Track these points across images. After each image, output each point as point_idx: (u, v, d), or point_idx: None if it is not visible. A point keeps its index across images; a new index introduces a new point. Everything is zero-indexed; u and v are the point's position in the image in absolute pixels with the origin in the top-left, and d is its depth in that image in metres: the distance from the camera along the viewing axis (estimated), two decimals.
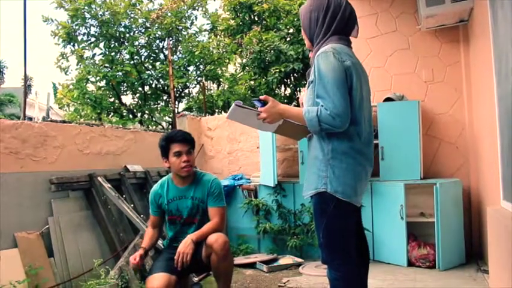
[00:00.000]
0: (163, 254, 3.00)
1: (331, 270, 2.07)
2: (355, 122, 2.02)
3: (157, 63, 9.70)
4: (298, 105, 2.44)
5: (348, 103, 1.95)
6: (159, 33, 9.29)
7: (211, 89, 10.46)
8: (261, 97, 2.04)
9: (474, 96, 4.43)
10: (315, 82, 2.01)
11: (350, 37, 2.17)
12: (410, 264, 4.19)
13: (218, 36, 9.84)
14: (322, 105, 1.93)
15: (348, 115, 1.94)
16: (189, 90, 10.27)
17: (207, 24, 10.07)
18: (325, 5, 2.09)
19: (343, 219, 2.04)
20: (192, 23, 10.03)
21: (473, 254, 4.39)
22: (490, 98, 3.23)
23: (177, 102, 9.67)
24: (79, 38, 9.14)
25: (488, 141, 3.52)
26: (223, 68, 10.35)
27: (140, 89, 9.62)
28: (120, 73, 9.04)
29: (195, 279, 3.61)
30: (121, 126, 5.49)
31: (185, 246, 2.76)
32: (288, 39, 7.46)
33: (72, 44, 9.13)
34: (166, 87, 9.55)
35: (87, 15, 8.91)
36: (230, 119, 2.14)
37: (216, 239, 2.76)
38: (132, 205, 4.20)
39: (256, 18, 8.57)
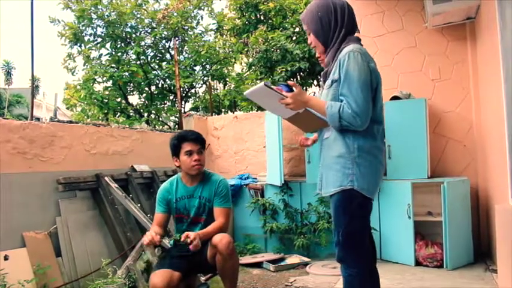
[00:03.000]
0: (169, 252, 3.01)
1: (346, 267, 2.09)
2: (378, 121, 2.11)
3: (164, 63, 9.73)
4: None
5: (370, 105, 2.01)
6: (165, 33, 9.32)
7: (217, 89, 10.47)
8: (289, 82, 2.05)
9: (481, 94, 4.40)
10: (339, 81, 2.04)
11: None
12: (417, 263, 4.17)
13: (224, 36, 9.86)
14: (345, 103, 1.98)
15: (368, 116, 2.00)
16: (195, 90, 10.30)
17: (213, 23, 10.10)
18: (332, 8, 2.15)
19: (365, 216, 2.11)
20: (198, 23, 10.06)
21: (482, 253, 4.37)
22: (497, 96, 3.20)
23: (183, 102, 9.70)
24: (86, 38, 9.19)
25: (496, 139, 3.50)
26: (230, 68, 10.36)
27: (147, 89, 9.66)
28: (127, 73, 9.08)
29: (202, 279, 3.62)
30: (127, 126, 5.50)
31: (193, 237, 2.73)
32: (294, 38, 7.45)
33: (78, 44, 9.19)
34: (172, 87, 9.57)
35: (94, 16, 8.96)
36: (248, 96, 2.14)
37: (220, 239, 2.77)
38: (139, 205, 4.22)
39: (262, 18, 8.57)
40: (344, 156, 2.05)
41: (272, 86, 2.03)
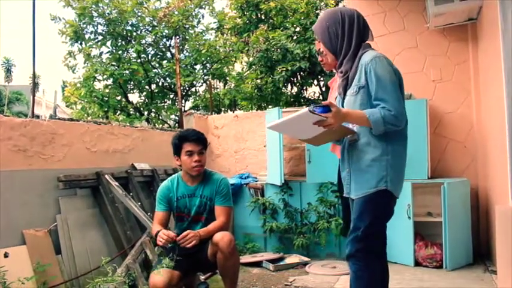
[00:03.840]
0: (168, 251, 3.02)
1: (356, 261, 2.14)
2: (407, 122, 2.18)
3: (164, 62, 9.72)
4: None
5: (404, 104, 2.12)
6: (166, 31, 9.30)
7: (217, 88, 10.46)
8: (325, 102, 2.03)
9: (482, 95, 4.40)
10: (367, 87, 2.12)
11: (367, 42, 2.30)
12: (417, 264, 4.18)
13: (225, 35, 9.83)
14: (384, 107, 2.05)
15: (405, 115, 2.11)
16: (195, 89, 10.28)
17: (214, 22, 10.07)
18: (339, 19, 2.22)
19: (389, 216, 2.21)
20: (199, 22, 10.04)
21: (481, 254, 4.37)
22: (498, 97, 3.21)
23: (183, 101, 9.69)
24: (86, 36, 9.16)
25: (497, 141, 3.50)
26: (230, 67, 10.34)
27: (147, 87, 9.65)
28: (127, 71, 9.05)
29: (202, 278, 3.62)
30: (128, 124, 5.50)
31: (194, 235, 2.78)
32: (295, 37, 7.42)
33: (79, 42, 9.16)
34: (173, 86, 9.57)
35: (95, 14, 8.93)
36: (276, 126, 2.16)
37: (221, 237, 2.78)
38: (139, 203, 4.21)
39: (263, 17, 8.55)
40: (379, 159, 2.12)
41: (315, 111, 1.97)
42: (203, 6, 9.86)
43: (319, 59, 2.58)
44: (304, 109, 1.96)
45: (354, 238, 2.13)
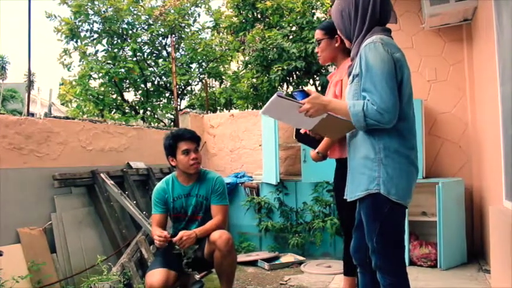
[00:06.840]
0: (164, 250, 3.02)
1: (385, 275, 1.94)
2: (405, 118, 1.94)
3: (160, 60, 9.71)
4: None
5: (397, 98, 1.84)
6: (162, 30, 9.31)
7: (213, 87, 10.47)
8: (305, 88, 1.92)
9: (477, 96, 4.42)
10: (360, 75, 1.90)
11: (389, 25, 2.09)
12: (411, 263, 4.19)
13: (221, 34, 9.85)
14: (368, 100, 1.82)
15: (396, 111, 1.83)
16: (191, 88, 10.28)
17: (210, 21, 10.09)
18: (353, 0, 1.99)
19: (398, 222, 1.97)
20: (195, 20, 10.05)
21: (475, 253, 4.39)
22: (493, 98, 3.22)
23: (179, 100, 9.68)
24: (82, 34, 9.16)
25: (491, 141, 3.52)
26: (226, 66, 10.35)
27: (142, 85, 9.64)
28: (123, 70, 9.05)
29: (197, 276, 3.62)
30: (124, 123, 5.49)
31: (189, 235, 2.79)
32: (291, 37, 7.44)
33: (75, 40, 9.16)
34: (168, 85, 9.56)
35: (90, 12, 8.93)
36: (265, 114, 1.96)
37: (219, 236, 2.78)
38: (134, 202, 4.21)
39: (259, 16, 8.56)
40: (369, 157, 1.91)
41: (286, 96, 1.87)
42: (199, 5, 9.88)
43: (316, 49, 2.54)
44: (275, 94, 1.84)
45: (372, 250, 1.95)
